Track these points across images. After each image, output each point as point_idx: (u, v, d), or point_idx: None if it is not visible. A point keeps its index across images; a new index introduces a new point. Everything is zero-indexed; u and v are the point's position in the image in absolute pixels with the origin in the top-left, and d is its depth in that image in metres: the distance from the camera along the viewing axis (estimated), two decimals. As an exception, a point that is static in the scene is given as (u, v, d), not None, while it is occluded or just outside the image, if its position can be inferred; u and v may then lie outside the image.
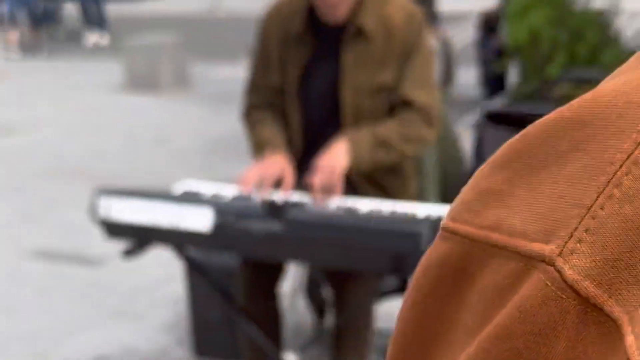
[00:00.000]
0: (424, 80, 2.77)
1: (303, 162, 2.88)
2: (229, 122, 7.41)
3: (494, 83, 7.24)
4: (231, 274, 2.94)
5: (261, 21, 2.96)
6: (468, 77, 8.17)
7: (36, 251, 4.81)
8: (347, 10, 2.71)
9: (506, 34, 5.69)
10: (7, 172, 6.35)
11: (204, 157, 6.53)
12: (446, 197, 3.13)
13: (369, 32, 2.73)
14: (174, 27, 12.52)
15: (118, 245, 4.62)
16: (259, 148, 2.80)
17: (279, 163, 2.69)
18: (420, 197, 2.98)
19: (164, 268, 4.44)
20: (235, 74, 9.64)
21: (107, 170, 6.28)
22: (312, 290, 3.44)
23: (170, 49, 9.02)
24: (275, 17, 2.90)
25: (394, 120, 2.72)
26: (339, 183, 2.56)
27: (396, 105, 2.75)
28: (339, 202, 2.58)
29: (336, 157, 2.61)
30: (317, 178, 2.56)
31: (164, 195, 2.59)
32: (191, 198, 2.58)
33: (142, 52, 8.94)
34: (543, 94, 5.37)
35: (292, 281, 3.21)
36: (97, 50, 11.71)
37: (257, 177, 2.63)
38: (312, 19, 2.82)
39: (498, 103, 5.85)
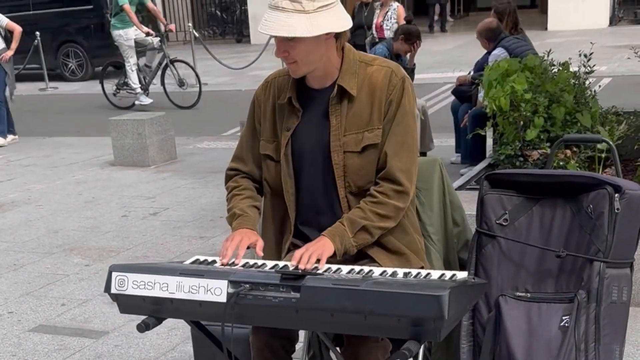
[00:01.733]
0: (403, 142, 2.69)
1: (299, 223, 2.83)
2: (218, 193, 7.34)
3: (468, 147, 7.22)
4: (244, 341, 2.83)
5: (255, 94, 2.92)
6: (441, 142, 8.17)
7: (38, 325, 4.65)
8: (308, 70, 2.67)
9: (485, 100, 5.66)
10: (5, 249, 6.20)
11: (196, 227, 6.41)
12: (449, 259, 3.05)
13: (352, 93, 2.68)
14: (158, 103, 12.53)
15: (119, 318, 4.53)
16: (231, 218, 2.81)
17: (249, 239, 2.69)
18: (426, 259, 2.90)
19: (167, 338, 4.31)
20: (219, 146, 9.62)
21: (102, 244, 6.15)
22: (315, 355, 3.33)
23: (156, 124, 8.96)
24: (268, 90, 2.87)
25: (368, 200, 2.67)
26: (323, 260, 2.53)
27: (378, 162, 2.70)
28: (350, 268, 2.50)
29: (323, 245, 2.57)
30: (301, 251, 2.55)
31: (177, 269, 2.49)
32: (204, 271, 2.48)
33: (129, 127, 8.88)
34: (523, 157, 5.36)
35: (302, 346, 3.09)
36: (86, 126, 11.61)
37: (232, 250, 2.64)
38: (302, 86, 2.78)
39: (481, 167, 5.83)
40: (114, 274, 2.50)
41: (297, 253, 2.54)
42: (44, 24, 16.50)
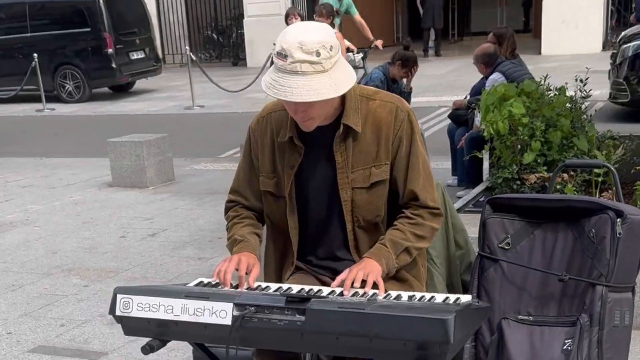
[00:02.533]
0: (426, 175, 2.72)
1: (302, 258, 2.82)
2: (216, 214, 7.33)
3: (465, 170, 7.23)
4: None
5: (250, 128, 2.87)
6: (437, 165, 8.18)
7: (37, 346, 4.63)
8: (321, 120, 2.63)
9: (482, 124, 5.68)
10: (3, 270, 6.17)
11: (195, 248, 6.40)
12: (452, 281, 3.05)
13: (357, 130, 2.66)
14: (155, 125, 12.53)
15: (118, 338, 4.50)
16: (232, 245, 2.80)
17: (247, 259, 2.67)
18: (429, 282, 2.90)
19: (167, 359, 4.30)
20: (216, 168, 9.62)
21: (100, 265, 6.13)
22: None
23: (154, 146, 8.96)
24: (265, 125, 2.81)
25: (406, 222, 2.67)
26: (370, 282, 2.51)
27: (402, 197, 2.70)
28: (354, 291, 2.50)
29: (371, 266, 2.56)
30: (351, 275, 2.52)
31: (182, 292, 2.48)
32: (209, 293, 2.47)
33: (128, 149, 8.87)
34: (520, 180, 5.37)
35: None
36: (84, 147, 11.61)
37: (230, 273, 2.62)
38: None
39: (478, 190, 5.84)
40: (118, 296, 2.49)
41: (348, 280, 2.51)
42: (42, 46, 16.54)
